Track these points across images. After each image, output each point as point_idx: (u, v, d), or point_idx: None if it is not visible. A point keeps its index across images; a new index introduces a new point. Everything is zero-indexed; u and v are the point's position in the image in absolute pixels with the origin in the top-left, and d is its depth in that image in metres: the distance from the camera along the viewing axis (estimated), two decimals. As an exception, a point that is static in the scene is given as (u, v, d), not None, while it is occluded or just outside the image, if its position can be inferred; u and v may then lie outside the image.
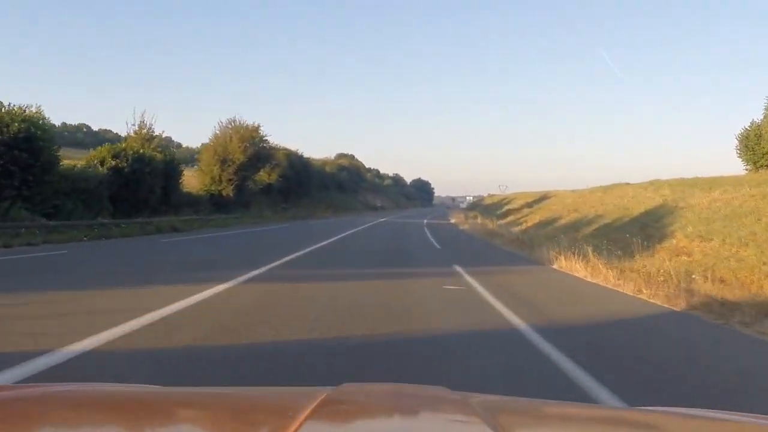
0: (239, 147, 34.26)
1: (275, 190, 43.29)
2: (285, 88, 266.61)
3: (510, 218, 41.15)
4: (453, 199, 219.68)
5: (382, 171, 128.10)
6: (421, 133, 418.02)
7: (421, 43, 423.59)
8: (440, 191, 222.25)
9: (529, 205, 44.41)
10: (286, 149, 47.57)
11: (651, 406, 1.64)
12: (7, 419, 0.89)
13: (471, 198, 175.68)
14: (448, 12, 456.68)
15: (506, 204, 56.00)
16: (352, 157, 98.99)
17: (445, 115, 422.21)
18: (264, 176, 41.68)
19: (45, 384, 1.67)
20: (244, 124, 35.78)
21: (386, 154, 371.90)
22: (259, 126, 36.31)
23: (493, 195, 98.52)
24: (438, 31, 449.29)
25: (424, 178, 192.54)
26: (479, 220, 39.30)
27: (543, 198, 45.61)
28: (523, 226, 31.50)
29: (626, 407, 2.78)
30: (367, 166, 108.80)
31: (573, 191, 43.28)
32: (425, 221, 41.10)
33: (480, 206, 73.22)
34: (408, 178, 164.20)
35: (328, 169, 68.45)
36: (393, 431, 0.99)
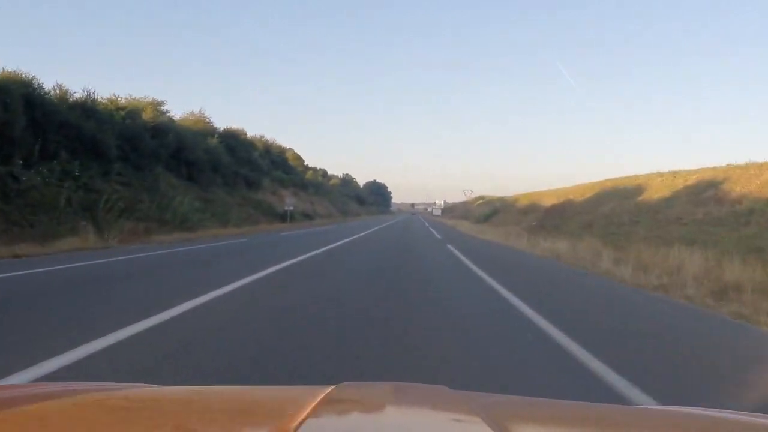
0: None
1: None
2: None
3: None
4: (413, 205, 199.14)
5: (330, 173, 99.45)
6: (376, 136, 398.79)
7: (382, 47, 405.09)
8: (396, 197, 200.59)
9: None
10: None
11: None
12: (7, 419, 0.87)
13: (442, 203, 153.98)
14: (408, 18, 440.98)
15: (593, 206, 33.69)
16: (292, 151, 67.37)
17: (401, 120, 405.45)
18: None
19: (45, 384, 1.45)
20: None
21: (334, 155, 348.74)
22: None
23: (488, 196, 77.59)
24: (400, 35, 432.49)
25: (380, 180, 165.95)
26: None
27: None
28: None
29: (628, 407, 2.40)
30: (311, 165, 78.41)
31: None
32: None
33: (507, 210, 50.73)
34: (360, 182, 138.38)
35: (181, 124, 32.85)
36: (393, 431, 0.94)
